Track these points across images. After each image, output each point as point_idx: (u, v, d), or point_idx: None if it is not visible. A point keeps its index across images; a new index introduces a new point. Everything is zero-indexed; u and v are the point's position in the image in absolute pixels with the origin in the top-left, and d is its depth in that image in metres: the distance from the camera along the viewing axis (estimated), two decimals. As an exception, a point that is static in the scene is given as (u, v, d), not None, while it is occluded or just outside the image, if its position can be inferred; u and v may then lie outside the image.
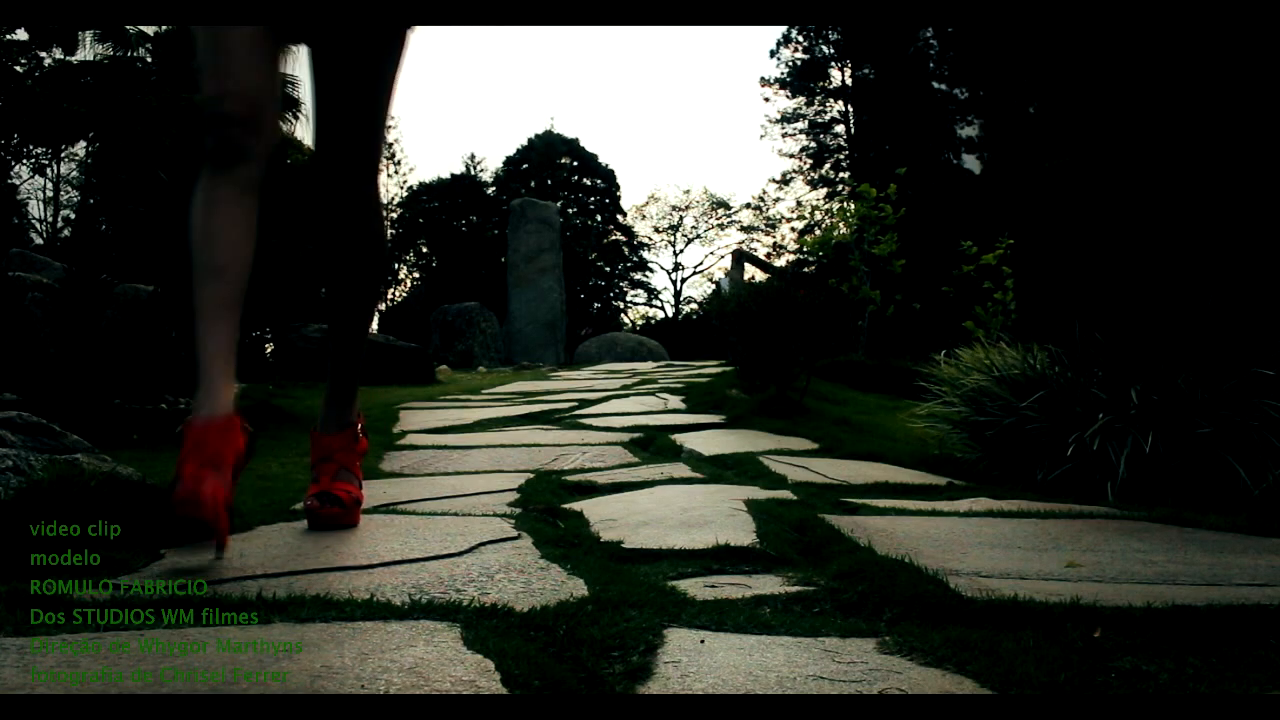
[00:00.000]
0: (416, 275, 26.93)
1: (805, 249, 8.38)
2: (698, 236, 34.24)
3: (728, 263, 11.74)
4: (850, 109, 29.66)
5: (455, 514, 1.93)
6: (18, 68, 16.36)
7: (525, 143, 30.72)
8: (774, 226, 32.57)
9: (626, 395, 5.85)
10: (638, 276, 33.80)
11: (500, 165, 29.93)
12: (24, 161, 18.50)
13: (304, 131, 17.09)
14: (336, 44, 1.70)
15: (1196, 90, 2.86)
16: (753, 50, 63.23)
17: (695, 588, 1.40)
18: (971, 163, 24.59)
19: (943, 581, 1.32)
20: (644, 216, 34.13)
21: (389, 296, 25.71)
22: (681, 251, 38.00)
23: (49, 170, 20.72)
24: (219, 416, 1.43)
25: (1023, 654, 1.02)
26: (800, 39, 30.20)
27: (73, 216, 20.79)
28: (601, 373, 9.45)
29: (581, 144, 31.42)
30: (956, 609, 1.21)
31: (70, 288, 4.70)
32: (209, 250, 1.51)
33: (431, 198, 27.34)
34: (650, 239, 34.01)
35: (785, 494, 2.29)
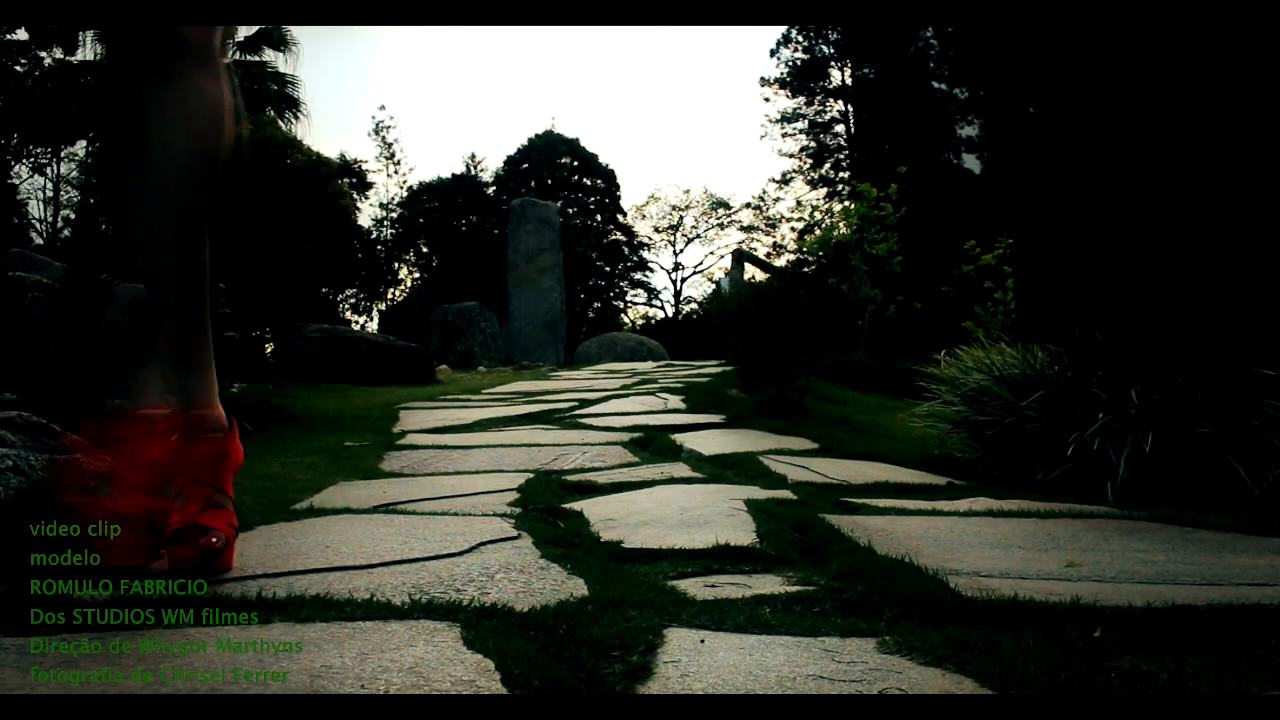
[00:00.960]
0: (416, 275, 26.90)
1: (805, 249, 8.39)
2: (698, 236, 34.21)
3: (728, 263, 11.74)
4: (850, 109, 29.62)
5: (455, 514, 1.93)
6: (18, 68, 16.35)
7: (525, 143, 30.64)
8: (774, 226, 32.54)
9: (626, 395, 5.85)
10: (638, 276, 33.75)
11: (500, 165, 29.88)
12: (24, 161, 18.49)
13: (303, 131, 17.06)
14: None
15: (1195, 91, 2.86)
16: (753, 50, 63.18)
17: (695, 587, 1.40)
18: (971, 163, 24.57)
19: (942, 581, 1.32)
20: (644, 216, 34.11)
21: (388, 296, 25.64)
22: (681, 251, 38.01)
23: (49, 170, 20.73)
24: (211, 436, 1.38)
25: (1023, 654, 1.02)
26: (800, 39, 30.16)
27: (73, 216, 20.78)
28: (601, 372, 9.45)
29: (581, 144, 31.35)
30: (956, 609, 1.21)
31: (70, 288, 4.69)
32: (164, 242, 1.30)
33: (431, 198, 27.29)
34: (650, 239, 33.99)
35: (785, 494, 2.28)
